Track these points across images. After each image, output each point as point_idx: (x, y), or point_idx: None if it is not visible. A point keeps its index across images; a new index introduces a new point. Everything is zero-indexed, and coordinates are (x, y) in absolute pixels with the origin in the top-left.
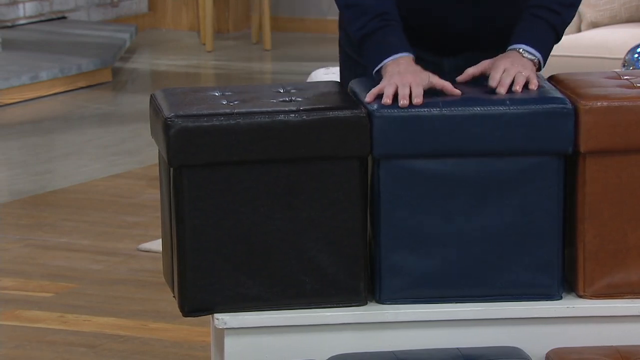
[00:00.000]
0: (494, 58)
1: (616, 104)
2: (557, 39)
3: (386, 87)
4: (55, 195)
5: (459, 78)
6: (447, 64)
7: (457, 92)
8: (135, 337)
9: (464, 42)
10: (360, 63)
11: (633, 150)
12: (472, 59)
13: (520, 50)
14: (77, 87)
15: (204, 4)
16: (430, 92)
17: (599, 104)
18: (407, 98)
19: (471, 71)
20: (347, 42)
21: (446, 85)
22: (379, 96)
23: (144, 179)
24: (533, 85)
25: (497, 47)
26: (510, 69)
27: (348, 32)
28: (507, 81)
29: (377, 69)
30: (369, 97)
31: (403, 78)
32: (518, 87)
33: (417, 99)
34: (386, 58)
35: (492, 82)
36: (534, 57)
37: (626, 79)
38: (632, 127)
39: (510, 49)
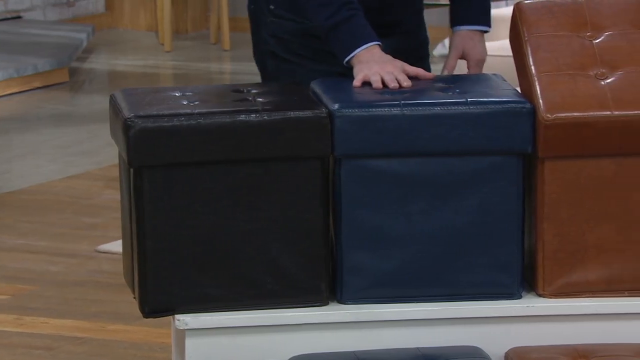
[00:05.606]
0: (463, 42)
1: (577, 117)
2: None
3: (371, 77)
4: (12, 196)
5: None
6: (384, 44)
7: (431, 75)
8: (94, 339)
9: (395, 27)
10: (294, 62)
11: (591, 155)
12: (401, 39)
13: (485, 31)
14: (33, 87)
15: (162, 4)
16: (390, 91)
17: (559, 119)
18: (396, 82)
19: (450, 65)
20: (282, 45)
21: (419, 71)
22: (365, 83)
23: (101, 180)
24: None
25: (415, 28)
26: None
27: (314, 22)
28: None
29: (349, 57)
30: (357, 83)
31: (383, 67)
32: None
33: (406, 83)
34: (359, 47)
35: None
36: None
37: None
38: (591, 138)
39: (476, 29)
